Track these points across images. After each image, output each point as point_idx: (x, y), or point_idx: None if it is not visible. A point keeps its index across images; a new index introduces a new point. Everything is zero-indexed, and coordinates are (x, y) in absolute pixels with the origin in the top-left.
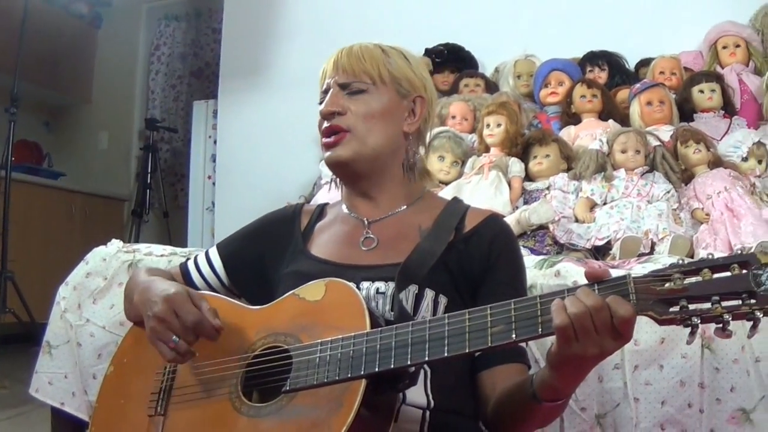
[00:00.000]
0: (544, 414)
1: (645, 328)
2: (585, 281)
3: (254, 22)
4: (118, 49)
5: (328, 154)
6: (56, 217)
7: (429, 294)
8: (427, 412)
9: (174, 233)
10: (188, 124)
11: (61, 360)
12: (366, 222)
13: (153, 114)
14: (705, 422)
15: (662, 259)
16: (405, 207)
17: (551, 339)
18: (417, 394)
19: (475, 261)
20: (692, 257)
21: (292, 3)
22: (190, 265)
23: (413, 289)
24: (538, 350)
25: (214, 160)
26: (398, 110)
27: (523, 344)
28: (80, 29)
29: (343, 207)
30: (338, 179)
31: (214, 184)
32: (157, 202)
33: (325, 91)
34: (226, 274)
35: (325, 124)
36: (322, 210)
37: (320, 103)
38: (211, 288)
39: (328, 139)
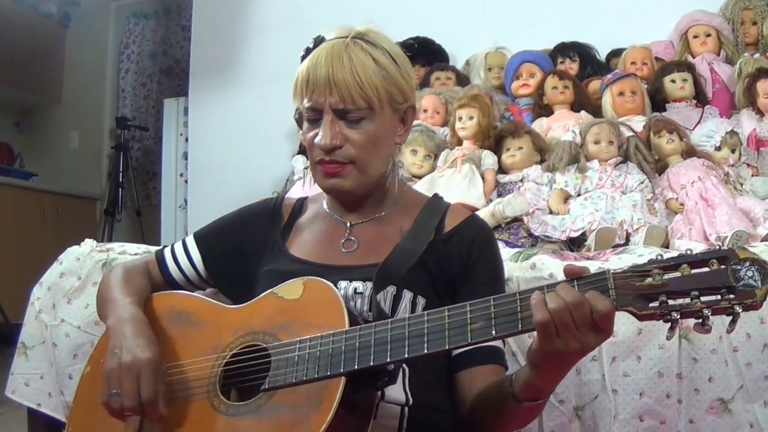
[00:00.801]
0: (524, 414)
1: (622, 320)
2: (560, 272)
3: (224, 19)
4: (88, 48)
5: (329, 183)
6: (29, 218)
7: (407, 295)
8: (406, 409)
9: (147, 232)
10: (159, 122)
11: (37, 361)
12: (348, 225)
13: (124, 113)
14: (684, 413)
15: (637, 250)
16: (387, 210)
17: (530, 336)
18: (395, 391)
19: (455, 261)
20: (667, 247)
21: None
22: (167, 253)
23: (391, 290)
24: (516, 344)
25: (186, 158)
26: (393, 127)
27: (501, 344)
28: (49, 29)
29: (325, 206)
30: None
31: (186, 181)
32: (129, 201)
33: (315, 110)
34: (204, 267)
35: (322, 156)
36: (302, 205)
37: (308, 120)
38: (186, 278)
39: (326, 168)
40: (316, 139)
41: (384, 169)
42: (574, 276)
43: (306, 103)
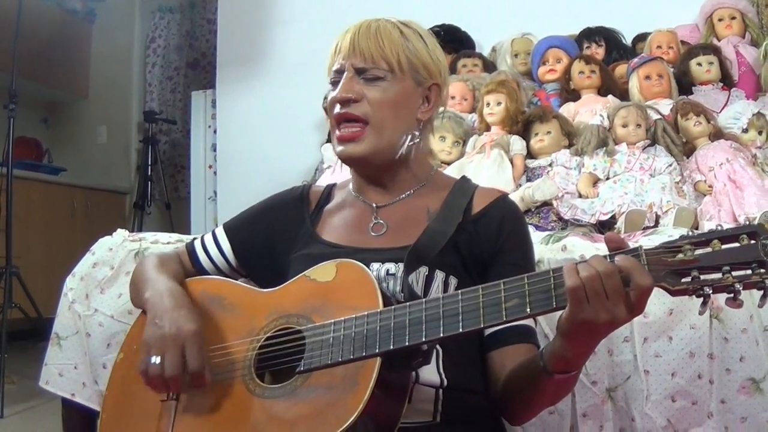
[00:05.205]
0: (555, 388)
1: (653, 300)
2: (591, 254)
3: (249, 10)
4: (113, 43)
5: (342, 149)
6: (58, 213)
7: (439, 275)
8: (440, 391)
9: (177, 224)
10: (186, 115)
11: (71, 351)
12: (375, 207)
13: (151, 106)
14: (715, 393)
15: (667, 231)
16: (413, 191)
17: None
18: (430, 373)
19: (485, 243)
20: (697, 229)
21: None
22: (197, 245)
23: (423, 270)
24: (548, 325)
25: (215, 150)
26: (414, 98)
27: (533, 324)
28: (75, 24)
29: (351, 190)
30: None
31: (215, 173)
32: (158, 194)
33: (339, 72)
34: (234, 256)
35: (339, 109)
36: (330, 192)
37: (332, 82)
38: (217, 268)
39: (342, 133)
40: (332, 94)
41: (403, 140)
42: (614, 244)
43: (333, 70)
